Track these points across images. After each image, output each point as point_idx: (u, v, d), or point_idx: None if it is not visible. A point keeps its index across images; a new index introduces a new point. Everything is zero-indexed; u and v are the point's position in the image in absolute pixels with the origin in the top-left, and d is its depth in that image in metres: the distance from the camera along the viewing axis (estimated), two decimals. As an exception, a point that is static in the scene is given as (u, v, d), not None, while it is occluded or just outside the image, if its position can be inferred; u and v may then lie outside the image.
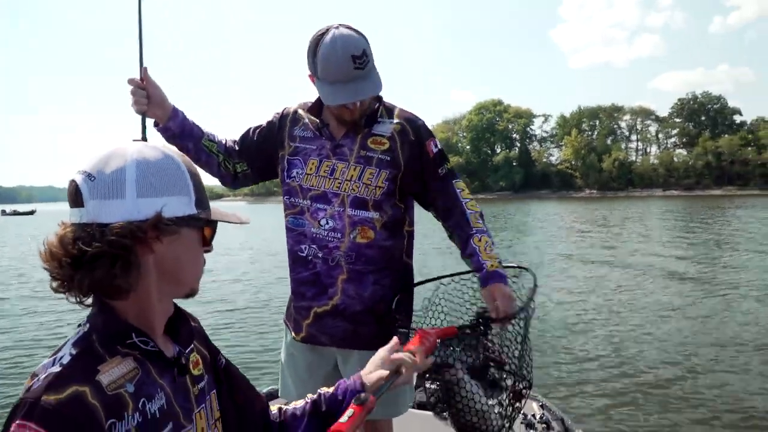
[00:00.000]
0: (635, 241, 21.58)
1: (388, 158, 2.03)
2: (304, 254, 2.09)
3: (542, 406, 3.70)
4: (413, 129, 2.07)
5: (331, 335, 2.09)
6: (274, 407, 1.36)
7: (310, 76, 1.99)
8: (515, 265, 2.10)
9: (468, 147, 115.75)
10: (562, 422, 3.52)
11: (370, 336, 2.01)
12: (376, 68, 1.97)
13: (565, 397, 5.87)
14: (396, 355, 1.35)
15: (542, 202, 72.83)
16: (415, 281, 2.21)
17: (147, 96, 2.02)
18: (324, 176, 2.05)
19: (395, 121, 2.07)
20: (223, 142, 2.25)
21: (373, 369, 1.35)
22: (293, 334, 2.17)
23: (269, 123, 2.22)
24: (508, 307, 1.89)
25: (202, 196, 1.06)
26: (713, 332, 8.40)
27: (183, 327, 1.16)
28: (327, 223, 2.04)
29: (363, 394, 1.17)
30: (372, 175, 2.02)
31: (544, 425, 3.44)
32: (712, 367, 6.87)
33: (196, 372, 1.15)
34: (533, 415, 3.55)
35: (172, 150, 1.06)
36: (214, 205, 1.12)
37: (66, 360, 0.92)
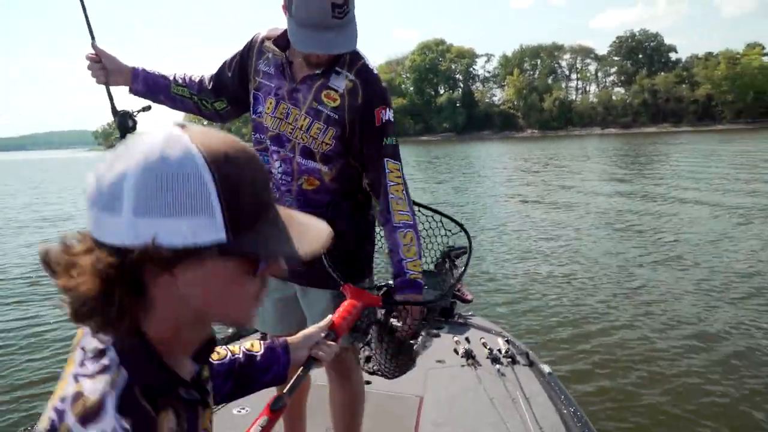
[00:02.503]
0: (576, 179, 22.19)
1: (336, 116, 1.94)
2: None
3: (507, 341, 3.82)
4: (365, 92, 1.93)
5: (290, 271, 2.08)
6: None
7: (283, 6, 1.83)
8: (456, 221, 2.15)
9: (412, 88, 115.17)
10: (527, 356, 3.62)
11: (326, 277, 1.96)
12: (355, 20, 1.84)
13: (527, 332, 6.12)
14: (316, 352, 1.35)
15: (485, 143, 73.85)
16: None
17: (103, 68, 2.11)
18: (280, 118, 2.00)
19: (351, 76, 1.94)
20: (195, 81, 2.21)
21: (302, 343, 1.35)
22: None
23: (240, 55, 2.13)
24: (414, 325, 1.92)
25: (242, 214, 0.77)
26: (652, 257, 9.15)
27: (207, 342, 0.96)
28: (280, 165, 2.03)
29: (280, 401, 1.15)
30: (319, 130, 1.95)
31: (509, 359, 3.55)
32: (651, 291, 7.44)
33: (205, 374, 1.00)
34: (499, 350, 3.65)
35: (212, 147, 0.76)
36: (288, 215, 0.87)
37: None
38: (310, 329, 1.40)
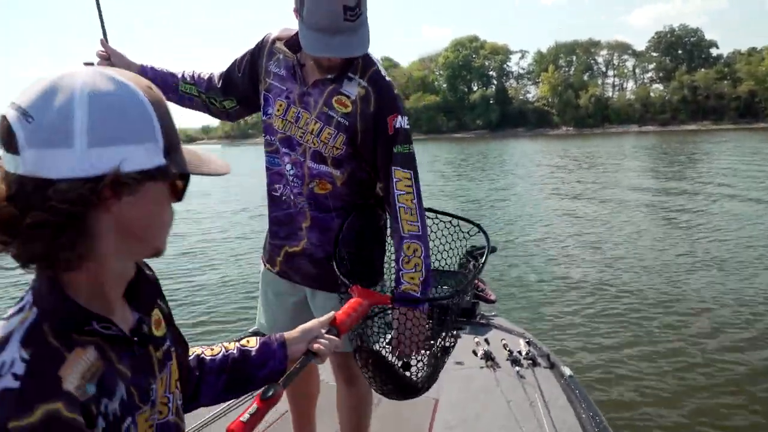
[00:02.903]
0: (613, 178, 21.71)
1: (347, 123, 1.91)
2: (278, 194, 2.09)
3: (528, 343, 3.74)
4: (377, 99, 1.90)
5: (301, 274, 2.12)
6: (190, 352, 1.24)
7: (294, 10, 1.81)
8: (472, 221, 2.09)
9: (445, 85, 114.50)
10: (548, 358, 3.55)
11: (334, 280, 1.91)
12: (367, 22, 1.80)
13: (551, 335, 5.98)
14: (316, 346, 1.29)
15: (519, 140, 73.16)
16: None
17: (111, 65, 2.06)
18: (290, 121, 1.98)
19: (363, 83, 1.91)
20: (204, 79, 2.20)
21: (300, 338, 1.31)
22: (268, 266, 2.21)
23: (251, 54, 2.12)
24: (406, 347, 1.85)
25: (172, 140, 0.83)
26: (691, 261, 8.86)
27: (144, 288, 0.98)
28: (291, 168, 2.02)
29: (271, 390, 1.11)
30: (330, 135, 1.93)
31: (530, 361, 3.48)
32: (689, 297, 7.15)
33: (159, 333, 1.02)
34: (519, 352, 3.57)
35: (136, 80, 0.82)
36: (186, 148, 0.91)
37: (20, 369, 0.74)
38: (310, 323, 1.37)
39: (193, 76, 2.21)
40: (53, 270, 0.81)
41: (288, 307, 2.20)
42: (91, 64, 0.81)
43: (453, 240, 2.15)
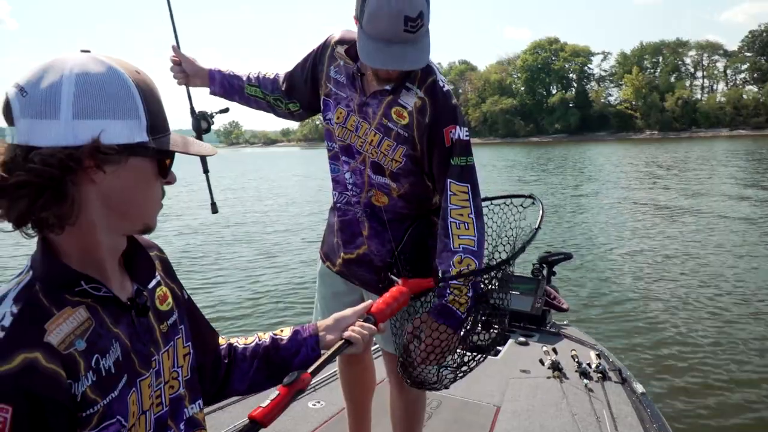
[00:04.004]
0: (704, 186, 20.42)
1: (406, 134, 1.89)
2: (337, 200, 2.11)
3: (600, 355, 3.62)
4: (433, 110, 1.86)
5: (359, 279, 2.14)
6: (223, 341, 1.31)
7: (354, 17, 1.79)
8: (522, 195, 2.06)
9: (522, 88, 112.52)
10: (619, 373, 3.43)
11: (387, 285, 1.89)
12: (428, 34, 1.76)
13: (625, 350, 5.70)
14: (348, 333, 1.29)
15: (599, 145, 70.85)
16: None
17: (183, 71, 2.21)
18: (351, 130, 1.98)
19: (420, 93, 1.87)
20: (269, 80, 2.22)
21: (334, 326, 1.33)
22: (328, 263, 2.23)
23: (313, 57, 2.10)
24: (430, 354, 1.80)
25: (157, 121, 0.93)
26: None
27: (141, 261, 1.07)
28: (351, 176, 2.02)
29: (294, 374, 1.11)
30: (389, 147, 1.91)
31: (600, 374, 3.36)
32: None
33: (164, 307, 1.09)
34: (589, 364, 3.45)
35: (124, 65, 0.91)
36: (178, 134, 1.00)
37: (8, 321, 0.82)
38: (345, 312, 1.37)
39: (258, 78, 2.22)
40: (41, 231, 0.89)
41: (343, 306, 2.18)
42: (88, 51, 0.89)
43: (504, 221, 2.07)
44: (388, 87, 1.89)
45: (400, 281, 1.60)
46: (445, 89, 1.90)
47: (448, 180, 1.86)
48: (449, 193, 1.85)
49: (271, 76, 2.23)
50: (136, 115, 0.89)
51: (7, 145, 0.86)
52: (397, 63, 1.74)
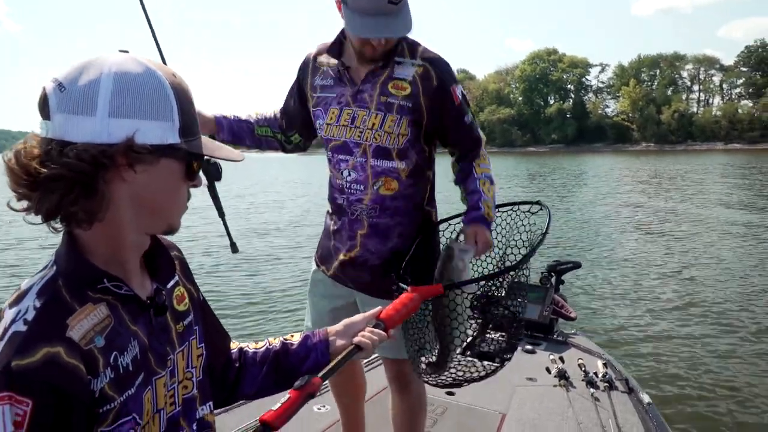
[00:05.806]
0: (705, 199, 20.38)
1: (410, 104, 1.94)
2: (335, 205, 2.13)
3: (606, 365, 3.58)
4: (437, 73, 1.94)
5: (354, 282, 2.13)
6: (234, 346, 1.32)
7: (337, 2, 1.88)
8: (530, 201, 2.13)
9: (520, 98, 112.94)
10: (626, 382, 3.41)
11: (389, 288, 1.94)
12: (408, 6, 1.87)
13: (632, 360, 5.69)
14: (358, 339, 1.29)
15: (596, 156, 70.96)
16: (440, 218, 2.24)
17: None
18: (345, 125, 2.00)
19: (418, 62, 1.95)
20: (273, 118, 2.28)
21: (344, 332, 1.33)
22: (323, 267, 2.22)
23: (297, 80, 2.18)
24: (483, 251, 2.03)
25: (189, 124, 0.94)
26: None
27: (163, 260, 1.08)
28: (349, 174, 2.02)
29: (305, 378, 1.10)
30: (393, 122, 1.94)
31: (606, 384, 3.33)
32: None
33: (181, 308, 1.10)
34: (595, 373, 3.44)
35: (162, 67, 0.93)
36: (206, 139, 1.02)
37: (31, 315, 0.83)
38: (354, 318, 1.37)
39: (265, 118, 2.27)
40: (68, 226, 0.90)
41: (336, 309, 2.18)
42: (126, 51, 0.89)
43: (513, 229, 2.14)
44: (374, 66, 1.94)
45: (408, 288, 1.61)
46: (436, 53, 2.00)
47: (472, 131, 2.07)
48: (479, 138, 2.09)
49: (271, 115, 2.28)
50: (170, 117, 0.90)
51: (41, 138, 0.86)
52: (384, 32, 1.83)
